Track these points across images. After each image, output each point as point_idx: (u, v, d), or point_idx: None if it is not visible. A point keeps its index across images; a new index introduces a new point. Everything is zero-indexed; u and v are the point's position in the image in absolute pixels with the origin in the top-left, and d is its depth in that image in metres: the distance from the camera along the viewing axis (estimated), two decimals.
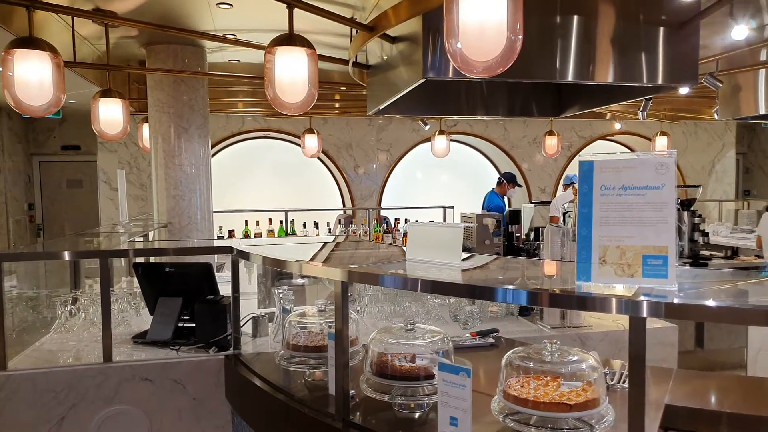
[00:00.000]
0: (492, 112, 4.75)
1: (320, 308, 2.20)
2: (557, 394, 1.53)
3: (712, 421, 1.76)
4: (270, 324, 2.80)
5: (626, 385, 1.32)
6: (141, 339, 2.69)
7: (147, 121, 5.30)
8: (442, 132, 7.44)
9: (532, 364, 1.60)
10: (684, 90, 5.05)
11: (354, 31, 3.77)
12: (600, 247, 1.39)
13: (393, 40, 3.35)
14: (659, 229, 1.36)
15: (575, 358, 1.61)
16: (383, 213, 8.21)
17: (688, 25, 3.16)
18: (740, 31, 3.96)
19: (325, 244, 3.03)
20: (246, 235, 6.81)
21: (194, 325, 2.66)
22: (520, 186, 8.43)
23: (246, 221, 6.95)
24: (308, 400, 1.98)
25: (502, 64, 1.70)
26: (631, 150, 10.55)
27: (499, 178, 7.67)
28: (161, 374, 2.44)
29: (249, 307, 3.09)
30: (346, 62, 3.93)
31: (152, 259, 3.56)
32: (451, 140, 8.03)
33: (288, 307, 2.48)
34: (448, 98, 4.55)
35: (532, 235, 5.80)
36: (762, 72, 5.12)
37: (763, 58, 4.95)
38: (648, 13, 3.18)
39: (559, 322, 2.90)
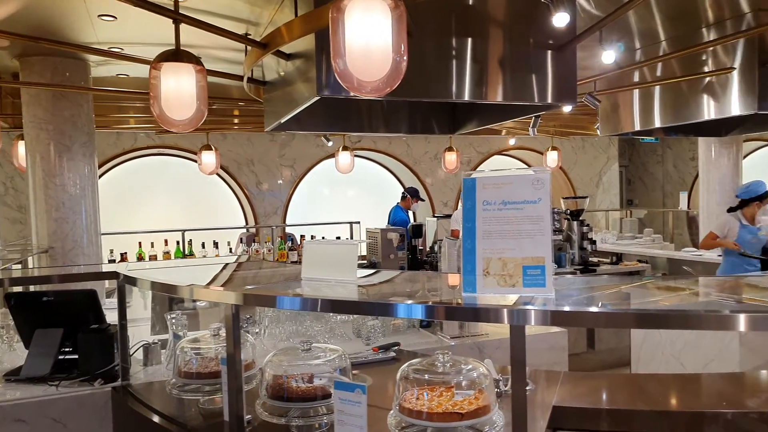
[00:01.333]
0: (393, 129, 4.84)
1: (214, 333, 2.12)
2: (450, 403, 1.56)
3: (596, 418, 1.88)
4: (163, 351, 2.66)
5: None
6: (14, 376, 2.45)
7: (23, 138, 4.88)
8: (345, 148, 7.49)
9: (426, 377, 1.63)
10: (567, 108, 5.41)
11: (248, 47, 3.71)
12: (483, 259, 1.45)
13: (288, 57, 3.33)
14: (537, 241, 1.43)
15: (467, 367, 1.66)
16: (288, 230, 8.09)
17: (566, 48, 3.40)
18: (608, 55, 4.32)
19: (227, 264, 2.92)
20: (140, 258, 6.44)
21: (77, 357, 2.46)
22: (423, 200, 8.65)
23: (140, 243, 6.57)
24: (202, 429, 1.90)
25: (388, 84, 1.74)
26: (526, 163, 11.18)
27: (403, 193, 7.83)
28: (37, 413, 2.23)
29: (142, 334, 2.92)
30: (240, 78, 3.84)
31: (32, 288, 3.28)
32: (356, 156, 8.10)
33: (181, 333, 2.37)
34: (350, 115, 4.58)
35: (436, 247, 5.97)
36: (636, 92, 5.60)
37: (636, 79, 5.42)
38: (534, 37, 3.39)
39: (458, 332, 2.98)
